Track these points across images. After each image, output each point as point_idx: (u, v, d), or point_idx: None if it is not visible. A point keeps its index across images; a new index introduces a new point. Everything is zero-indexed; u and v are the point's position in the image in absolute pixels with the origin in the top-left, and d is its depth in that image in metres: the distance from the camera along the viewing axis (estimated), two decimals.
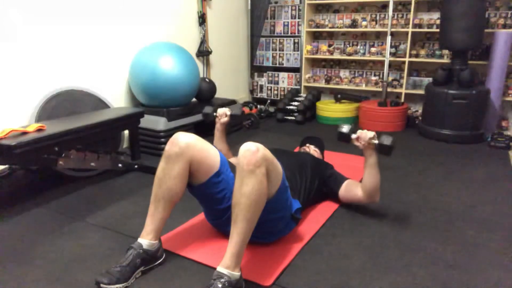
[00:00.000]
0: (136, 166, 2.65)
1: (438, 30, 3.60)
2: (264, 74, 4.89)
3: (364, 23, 4.20)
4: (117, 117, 2.46)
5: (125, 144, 2.97)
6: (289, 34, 4.66)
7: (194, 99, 3.44)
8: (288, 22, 4.65)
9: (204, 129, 3.12)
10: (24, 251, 1.69)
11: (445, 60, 3.80)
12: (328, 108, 4.05)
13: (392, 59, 4.02)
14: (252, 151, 1.37)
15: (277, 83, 4.83)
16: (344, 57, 4.35)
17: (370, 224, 1.92)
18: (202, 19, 3.88)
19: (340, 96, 4.14)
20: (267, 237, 1.69)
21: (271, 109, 4.47)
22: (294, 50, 4.64)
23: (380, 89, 4.09)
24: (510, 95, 3.60)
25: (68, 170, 2.40)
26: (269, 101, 4.69)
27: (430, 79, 3.86)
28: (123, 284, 1.41)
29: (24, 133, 2.00)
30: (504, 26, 3.58)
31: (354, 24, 4.25)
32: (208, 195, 1.62)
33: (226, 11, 4.32)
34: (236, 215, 1.36)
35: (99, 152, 2.39)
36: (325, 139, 2.70)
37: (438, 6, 3.85)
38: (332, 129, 3.67)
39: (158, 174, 1.55)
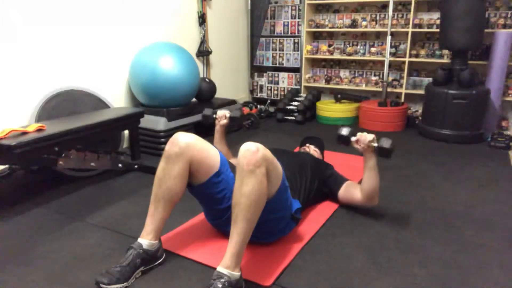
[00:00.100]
0: (136, 166, 2.65)
1: (438, 30, 3.60)
2: (264, 74, 4.89)
3: (364, 23, 4.20)
4: (117, 117, 2.46)
5: (125, 144, 2.97)
6: (289, 34, 4.66)
7: (194, 99, 3.44)
8: (288, 22, 4.65)
9: (204, 129, 3.12)
10: (24, 251, 1.69)
11: (445, 60, 3.80)
12: (328, 108, 4.05)
13: (392, 59, 4.02)
14: (252, 151, 1.37)
15: (277, 83, 4.83)
16: (344, 57, 4.35)
17: (370, 224, 1.92)
18: (202, 19, 3.89)
19: (340, 96, 4.14)
20: (267, 237, 1.69)
21: (271, 109, 4.47)
22: (294, 50, 4.64)
23: (380, 89, 4.09)
24: (510, 95, 3.60)
25: (68, 170, 2.40)
26: (269, 101, 4.69)
27: (430, 79, 3.86)
28: (123, 284, 1.41)
29: (24, 133, 2.00)
30: (504, 26, 3.58)
31: (354, 24, 4.25)
32: (208, 195, 1.62)
33: (226, 11, 4.32)
34: (236, 215, 1.36)
35: (99, 152, 2.39)
36: (325, 139, 2.70)
37: (438, 6, 3.85)
38: (332, 129, 3.67)
39: (158, 174, 1.55)
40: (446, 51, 3.82)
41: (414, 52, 3.96)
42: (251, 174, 1.35)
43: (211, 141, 1.81)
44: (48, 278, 1.49)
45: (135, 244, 1.50)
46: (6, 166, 2.25)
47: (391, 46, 4.02)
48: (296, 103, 4.15)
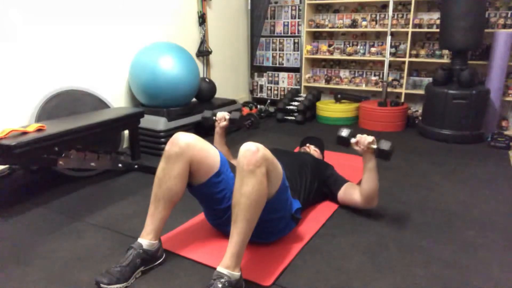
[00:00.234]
0: (136, 166, 2.65)
1: (438, 30, 3.60)
2: (264, 74, 4.89)
3: (364, 23, 4.20)
4: (117, 117, 2.46)
5: (125, 144, 2.97)
6: (289, 34, 4.66)
7: (194, 99, 3.44)
8: (288, 22, 4.65)
9: (204, 129, 3.12)
10: (24, 251, 1.69)
11: (445, 60, 3.80)
12: (328, 108, 4.05)
13: (392, 59, 4.02)
14: (252, 151, 1.37)
15: (277, 83, 4.83)
16: (344, 57, 4.35)
17: (370, 224, 1.92)
18: (202, 19, 3.89)
19: (340, 96, 4.14)
20: (267, 237, 1.69)
21: (271, 109, 4.46)
22: (294, 50, 4.64)
23: (380, 89, 4.09)
24: (510, 95, 3.60)
25: (68, 170, 2.41)
26: (269, 101, 4.69)
27: (430, 79, 3.86)
28: (123, 284, 1.41)
29: (24, 133, 2.00)
30: (504, 26, 3.58)
31: (354, 24, 4.25)
32: (208, 195, 1.62)
33: (226, 11, 4.32)
34: (236, 215, 1.36)
35: (99, 152, 2.39)
36: (325, 139, 2.70)
37: (438, 6, 3.85)
38: (332, 129, 3.67)
39: (158, 174, 1.55)
40: (446, 51, 3.82)
41: (414, 52, 3.96)
42: (251, 174, 1.35)
43: (211, 141, 1.81)
44: (48, 278, 1.49)
45: (135, 244, 1.50)
46: (6, 166, 2.25)
47: (391, 46, 4.02)
48: (296, 103, 4.15)
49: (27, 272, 1.53)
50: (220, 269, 1.32)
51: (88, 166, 2.32)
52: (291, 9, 4.59)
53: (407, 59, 3.95)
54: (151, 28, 3.37)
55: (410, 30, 3.86)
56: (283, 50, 4.71)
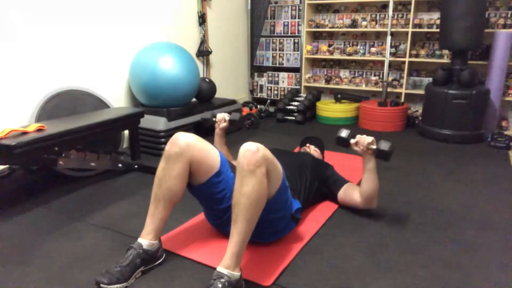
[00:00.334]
0: (136, 166, 2.65)
1: (438, 30, 3.60)
2: (264, 74, 4.89)
3: (364, 23, 4.20)
4: (117, 117, 2.46)
5: (125, 144, 2.97)
6: (289, 34, 4.66)
7: (194, 99, 3.44)
8: (288, 22, 4.65)
9: (204, 129, 3.12)
10: (24, 251, 1.69)
11: (445, 60, 3.80)
12: (328, 108, 4.05)
13: (392, 59, 4.02)
14: (252, 151, 1.37)
15: (277, 83, 4.83)
16: (344, 57, 4.35)
17: (370, 224, 1.92)
18: (202, 19, 3.89)
19: (340, 96, 4.14)
20: (267, 237, 1.69)
21: (271, 109, 4.46)
22: (294, 50, 4.64)
23: (380, 89, 4.09)
24: (510, 95, 3.60)
25: (68, 170, 2.40)
26: (269, 101, 4.69)
27: (430, 79, 3.86)
28: (123, 284, 1.41)
29: (24, 133, 2.00)
30: (504, 26, 3.58)
31: (354, 24, 4.25)
32: (208, 195, 1.62)
33: (226, 11, 4.32)
34: (236, 215, 1.36)
35: (99, 152, 2.39)
36: (325, 139, 2.70)
37: (438, 6, 3.85)
38: (332, 129, 3.67)
39: (158, 174, 1.55)
40: (446, 51, 3.82)
41: (414, 52, 3.96)
42: (251, 174, 1.35)
43: (211, 141, 1.81)
44: (48, 278, 1.49)
45: (135, 244, 1.50)
46: (6, 166, 2.25)
47: (391, 46, 4.02)
48: (296, 103, 4.15)
49: (27, 272, 1.53)
50: (220, 269, 1.32)
51: (88, 166, 2.32)
52: (291, 9, 4.59)
53: (407, 59, 3.95)
54: (151, 28, 3.37)
55: (410, 30, 3.86)
56: (283, 50, 4.71)
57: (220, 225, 1.73)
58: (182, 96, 3.03)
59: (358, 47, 4.38)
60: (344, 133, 1.91)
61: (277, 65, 4.80)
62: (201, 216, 1.94)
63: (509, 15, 3.62)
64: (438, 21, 3.74)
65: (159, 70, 2.87)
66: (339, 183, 2.07)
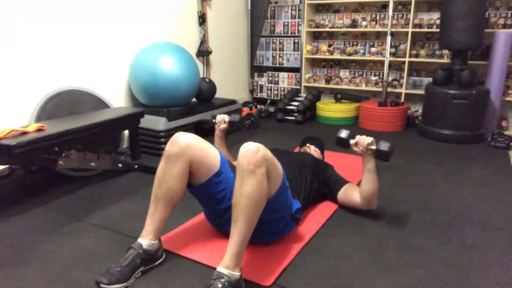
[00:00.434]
0: (136, 166, 2.65)
1: (438, 30, 3.60)
2: (264, 74, 4.89)
3: (364, 23, 4.20)
4: (117, 117, 2.46)
5: (125, 144, 2.97)
6: (289, 34, 4.66)
7: (194, 99, 3.44)
8: (288, 22, 4.65)
9: (204, 129, 3.12)
10: (24, 251, 1.69)
11: (445, 60, 3.80)
12: (328, 108, 4.05)
13: (392, 59, 4.02)
14: (252, 151, 1.37)
15: (277, 83, 4.83)
16: (344, 57, 4.35)
17: (370, 224, 1.92)
18: (202, 19, 3.89)
19: (340, 96, 4.14)
20: (267, 237, 1.69)
21: (271, 109, 4.46)
22: (294, 50, 4.64)
23: (380, 89, 4.09)
24: (510, 95, 3.60)
25: (68, 170, 2.40)
26: (269, 101, 4.69)
27: (430, 79, 3.86)
28: (123, 284, 1.41)
29: (24, 133, 2.00)
30: (504, 26, 3.58)
31: (354, 24, 4.25)
32: (208, 195, 1.62)
33: (226, 11, 4.32)
34: (236, 215, 1.36)
35: (99, 152, 2.39)
36: (325, 139, 2.70)
37: (438, 6, 3.85)
38: (332, 129, 3.67)
39: (158, 174, 1.55)
40: (446, 51, 3.82)
41: (414, 52, 3.96)
42: (251, 174, 1.35)
43: (210, 141, 1.81)
44: (48, 278, 1.49)
45: (135, 244, 1.50)
46: (6, 166, 2.25)
47: (391, 46, 4.02)
48: (296, 103, 4.15)
49: (27, 272, 1.53)
50: (220, 269, 1.32)
51: (88, 166, 2.33)
52: (291, 9, 4.59)
53: (407, 59, 3.95)
54: (151, 28, 3.37)
55: (410, 30, 3.86)
56: (283, 50, 4.71)
57: (220, 225, 1.73)
58: (182, 96, 3.03)
59: (358, 47, 4.38)
60: (343, 133, 1.91)
61: (277, 65, 4.80)
62: (201, 216, 1.94)
63: (509, 15, 3.62)
64: (438, 21, 3.74)
65: (159, 70, 2.87)
66: (339, 184, 2.07)
